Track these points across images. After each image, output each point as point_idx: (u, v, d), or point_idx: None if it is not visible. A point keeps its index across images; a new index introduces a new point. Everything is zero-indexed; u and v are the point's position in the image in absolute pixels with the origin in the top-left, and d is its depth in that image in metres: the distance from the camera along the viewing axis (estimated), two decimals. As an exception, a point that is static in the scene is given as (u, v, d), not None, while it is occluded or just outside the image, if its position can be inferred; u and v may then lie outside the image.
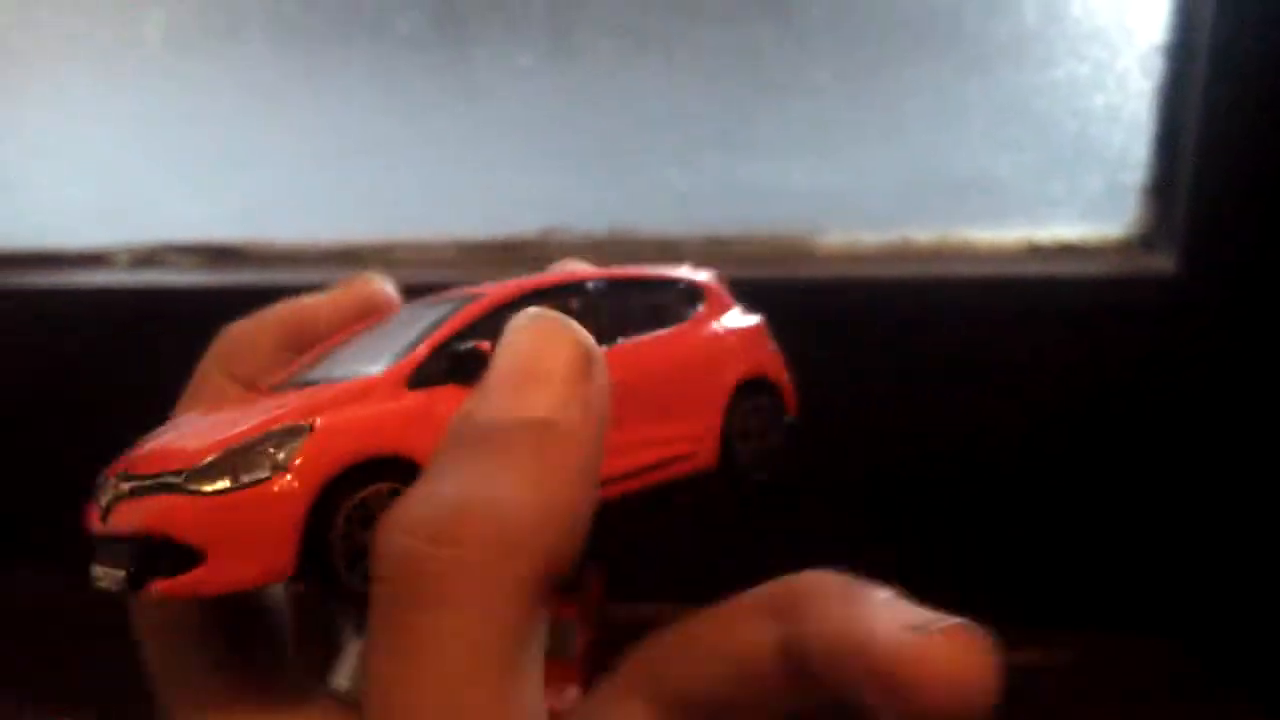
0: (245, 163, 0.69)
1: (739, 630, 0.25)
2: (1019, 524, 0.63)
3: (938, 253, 0.64)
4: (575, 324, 0.24)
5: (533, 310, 0.24)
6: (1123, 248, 0.62)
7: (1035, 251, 0.63)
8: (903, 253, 0.64)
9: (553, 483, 0.22)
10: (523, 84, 0.64)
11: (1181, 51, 0.58)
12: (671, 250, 0.64)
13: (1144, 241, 0.61)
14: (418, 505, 0.21)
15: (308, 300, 0.33)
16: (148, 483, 0.24)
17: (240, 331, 0.32)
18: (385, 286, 0.33)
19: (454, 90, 0.65)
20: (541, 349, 0.23)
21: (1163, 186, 0.60)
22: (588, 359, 0.23)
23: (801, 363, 0.31)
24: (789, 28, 0.60)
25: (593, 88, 0.64)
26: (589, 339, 0.24)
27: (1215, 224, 0.57)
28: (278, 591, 0.31)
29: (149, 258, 0.75)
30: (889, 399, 0.60)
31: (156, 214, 0.74)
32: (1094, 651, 0.63)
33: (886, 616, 0.23)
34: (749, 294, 0.32)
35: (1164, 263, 0.59)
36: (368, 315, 0.32)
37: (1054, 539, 0.64)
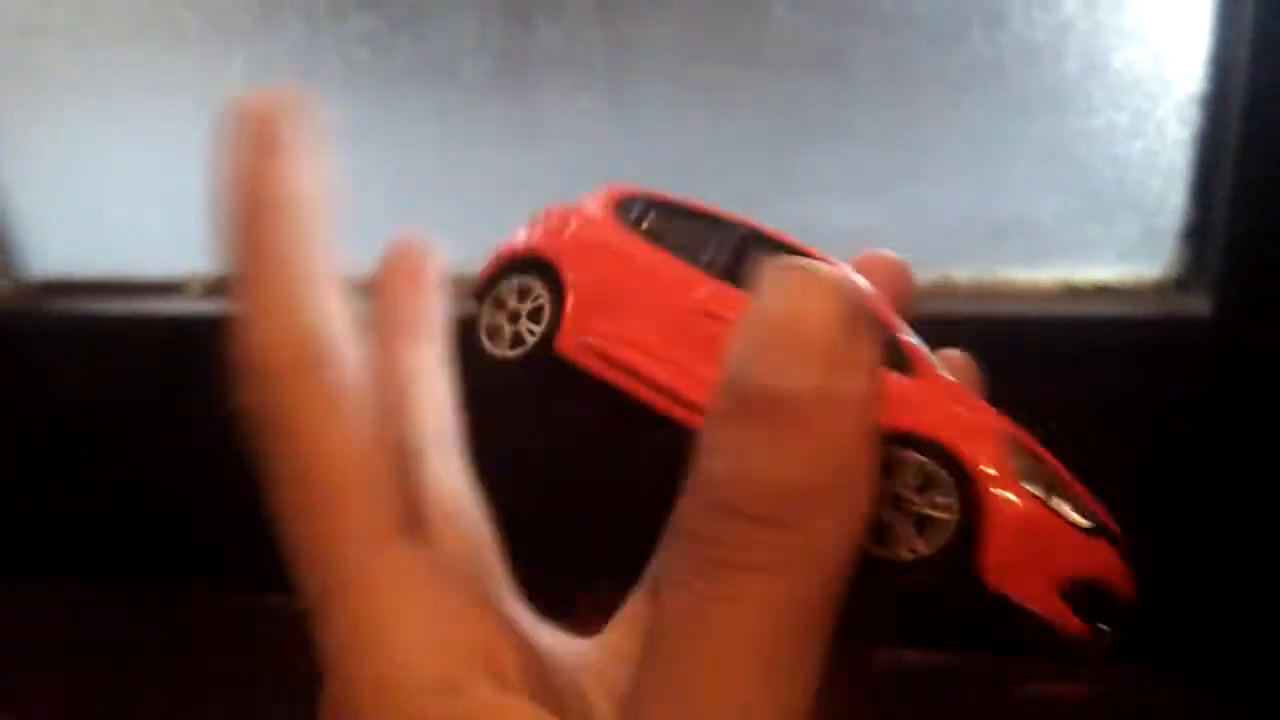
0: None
1: None
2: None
3: (978, 291, 0.66)
4: (857, 283, 0.23)
5: (815, 265, 0.23)
6: (1159, 290, 0.64)
7: (1073, 292, 0.65)
8: (944, 291, 0.66)
9: (848, 457, 0.22)
10: (581, 127, 0.67)
11: (1217, 102, 0.60)
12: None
13: (1179, 284, 0.63)
14: (752, 490, 0.21)
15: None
16: None
17: None
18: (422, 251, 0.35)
19: (516, 132, 0.69)
20: (828, 310, 0.22)
21: (1198, 231, 0.62)
22: (865, 320, 0.22)
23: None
24: (836, 76, 0.63)
25: (648, 130, 0.67)
26: (855, 289, 0.22)
27: (1249, 268, 0.59)
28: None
29: (221, 287, 0.78)
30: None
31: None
32: (1109, 683, 0.64)
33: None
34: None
35: (1199, 305, 0.61)
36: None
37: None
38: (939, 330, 0.28)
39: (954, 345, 0.30)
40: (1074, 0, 0.60)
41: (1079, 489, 0.25)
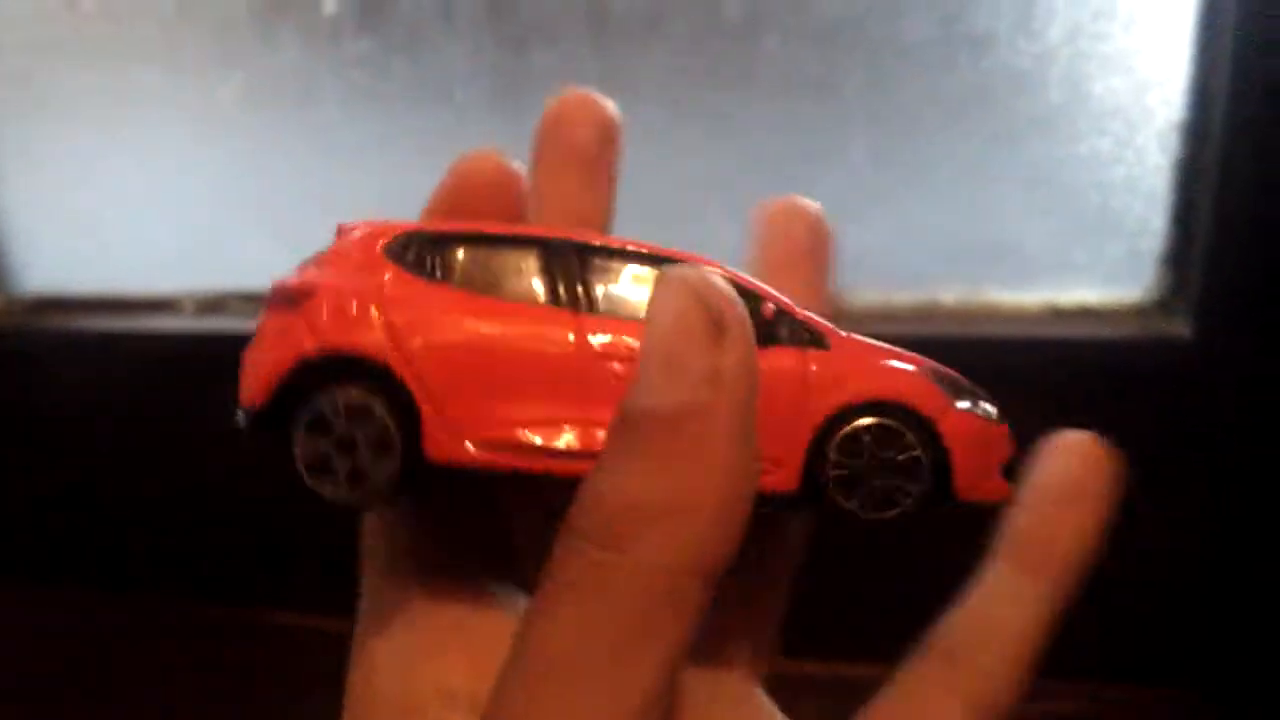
0: (309, 216, 0.73)
1: None
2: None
3: (964, 313, 0.67)
4: (710, 282, 0.22)
5: (667, 272, 0.22)
6: (1140, 312, 0.65)
7: (1057, 314, 0.66)
8: (931, 312, 0.67)
9: (690, 476, 0.21)
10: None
11: (1197, 130, 0.61)
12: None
13: (1161, 307, 0.65)
14: (587, 506, 0.21)
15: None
16: None
17: None
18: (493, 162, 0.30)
19: (512, 154, 0.69)
20: (670, 321, 0.21)
21: (1179, 255, 0.63)
22: (716, 325, 0.21)
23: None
24: (827, 103, 0.64)
25: (643, 153, 0.68)
26: (721, 297, 0.22)
27: (1229, 291, 0.61)
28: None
29: (214, 305, 0.79)
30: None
31: (222, 263, 0.78)
32: (1107, 702, 0.65)
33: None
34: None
35: (1180, 327, 0.62)
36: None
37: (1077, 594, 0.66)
38: (925, 352, 0.29)
39: (945, 364, 0.30)
40: (1058, 29, 0.61)
41: (969, 380, 0.29)
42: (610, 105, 0.31)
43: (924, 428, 0.26)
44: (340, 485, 0.24)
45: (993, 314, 0.67)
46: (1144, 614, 0.66)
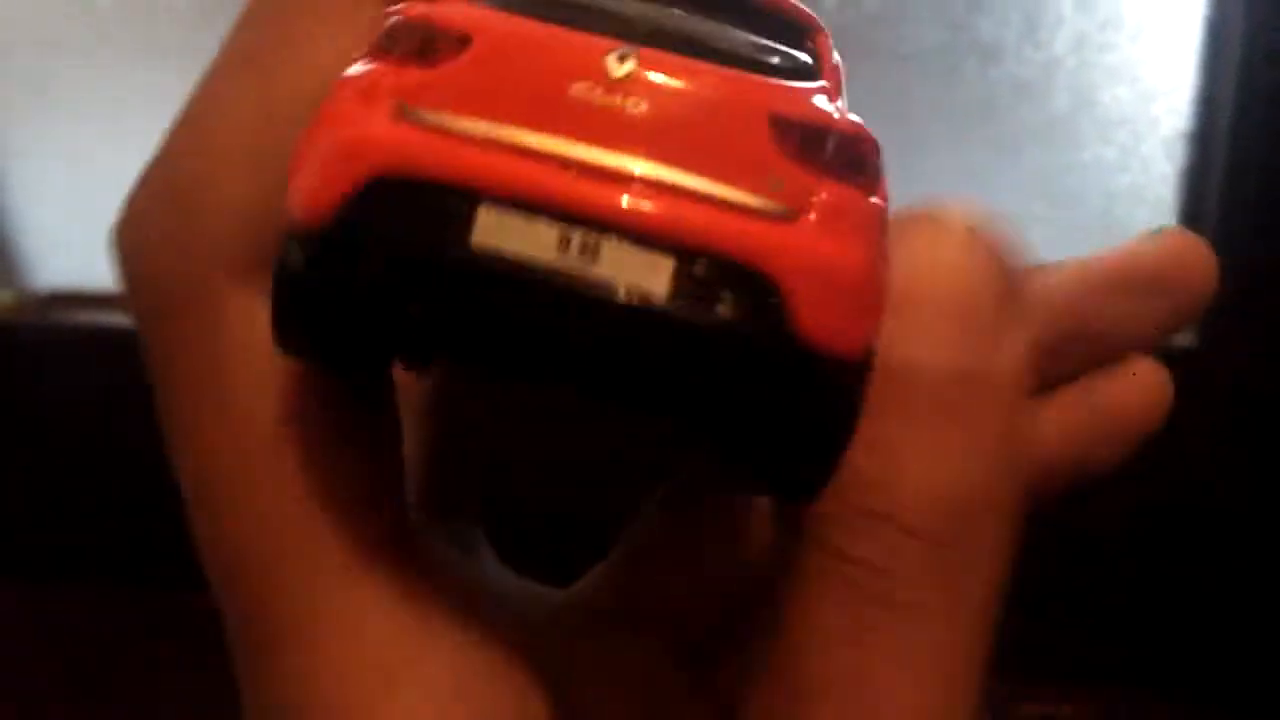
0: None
1: None
2: (1039, 581, 0.66)
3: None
4: (985, 218, 0.19)
5: (924, 210, 0.19)
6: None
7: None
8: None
9: (980, 454, 0.18)
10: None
11: (1203, 138, 0.61)
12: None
13: (1165, 315, 0.65)
14: (915, 493, 0.18)
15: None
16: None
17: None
18: None
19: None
20: (966, 278, 0.18)
21: (1184, 264, 0.64)
22: (1003, 280, 0.18)
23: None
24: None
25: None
26: (1003, 237, 0.19)
27: (1233, 300, 0.60)
28: None
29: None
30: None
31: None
32: (1105, 703, 0.65)
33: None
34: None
35: (1184, 337, 0.62)
36: None
37: (1074, 596, 0.67)
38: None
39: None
40: (1064, 38, 0.62)
41: None
42: None
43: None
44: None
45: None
46: (1146, 617, 0.66)
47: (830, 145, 0.18)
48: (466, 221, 0.16)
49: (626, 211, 0.16)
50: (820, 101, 0.18)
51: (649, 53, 0.17)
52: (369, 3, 0.20)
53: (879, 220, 0.18)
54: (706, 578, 0.26)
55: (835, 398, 0.17)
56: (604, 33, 0.17)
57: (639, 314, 0.16)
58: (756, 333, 0.17)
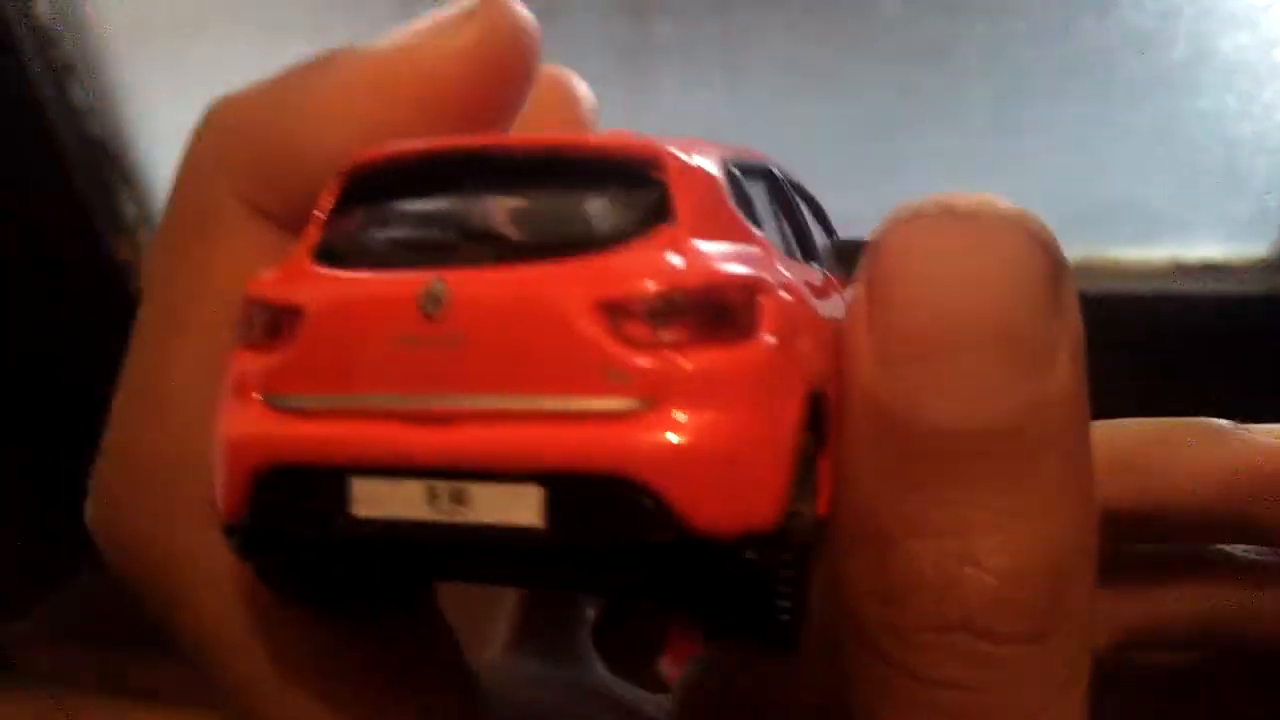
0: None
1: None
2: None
3: (1088, 270, 0.68)
4: (1032, 215, 0.16)
5: (976, 208, 0.16)
6: (1265, 268, 0.65)
7: (1181, 270, 0.66)
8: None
9: (1059, 504, 0.15)
10: (702, 115, 0.71)
11: (1326, 83, 0.61)
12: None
13: (1287, 262, 0.64)
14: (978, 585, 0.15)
15: (421, 48, 0.20)
16: None
17: (278, 123, 0.20)
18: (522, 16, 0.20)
19: (637, 127, 0.72)
20: (1008, 283, 0.15)
21: (1306, 210, 0.63)
22: (1056, 279, 0.15)
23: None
24: (947, 65, 0.65)
25: (763, 117, 0.70)
26: (1050, 236, 0.15)
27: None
28: None
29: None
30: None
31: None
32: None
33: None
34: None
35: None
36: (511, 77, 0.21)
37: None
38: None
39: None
40: (1182, -14, 0.61)
41: None
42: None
43: None
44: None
45: (1116, 270, 0.67)
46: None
47: (679, 309, 0.16)
48: (343, 497, 0.17)
49: (475, 453, 0.16)
50: (664, 259, 0.16)
51: (458, 275, 0.17)
52: (267, 237, 0.20)
53: (758, 371, 0.16)
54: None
55: (756, 572, 0.16)
56: (415, 264, 0.17)
57: (522, 550, 0.16)
58: (645, 541, 0.15)
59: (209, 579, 0.20)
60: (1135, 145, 0.65)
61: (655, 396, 0.16)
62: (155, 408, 0.21)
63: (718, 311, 0.16)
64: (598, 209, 0.18)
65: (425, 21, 0.20)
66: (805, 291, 0.18)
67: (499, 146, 0.19)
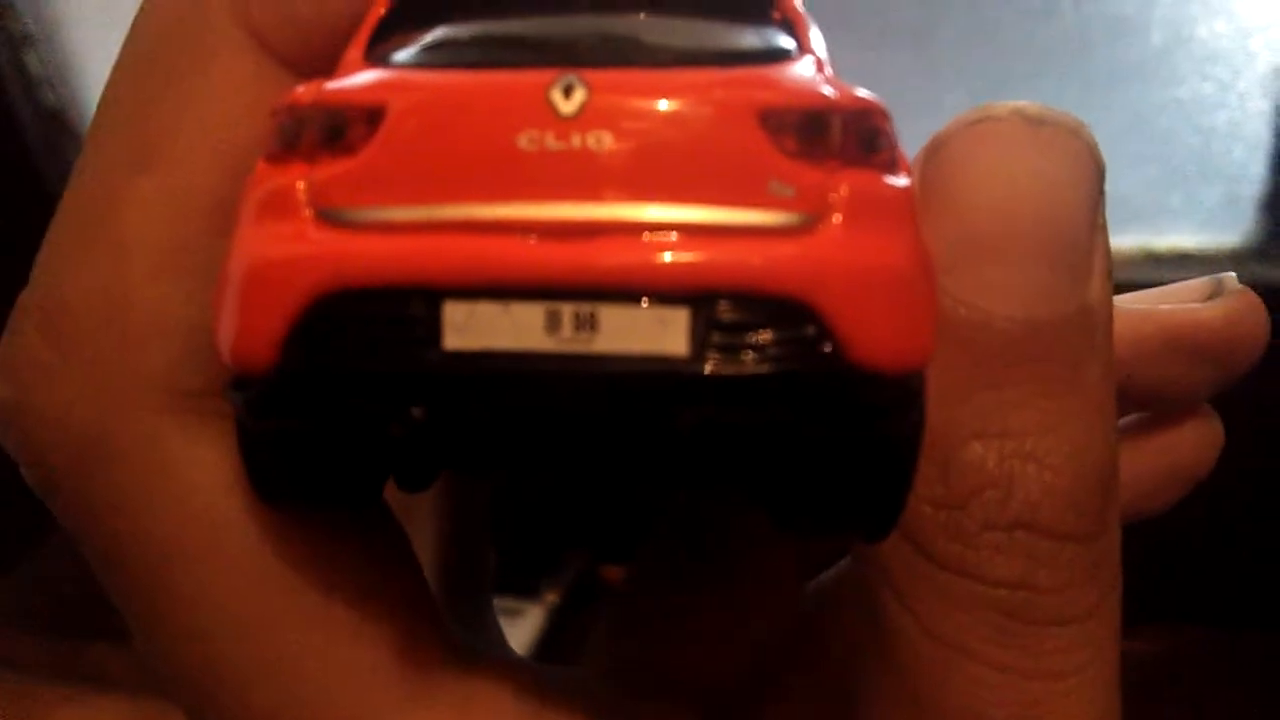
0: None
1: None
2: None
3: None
4: (1073, 122, 0.16)
5: (1041, 117, 0.16)
6: (1237, 257, 0.65)
7: (1152, 259, 0.66)
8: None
9: (1102, 411, 0.16)
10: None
11: (1302, 73, 0.61)
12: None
13: (1259, 253, 0.64)
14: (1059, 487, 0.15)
15: None
16: None
17: None
18: None
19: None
20: (1070, 196, 0.16)
21: (1278, 199, 0.63)
22: (1093, 180, 0.16)
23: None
24: (924, 51, 0.65)
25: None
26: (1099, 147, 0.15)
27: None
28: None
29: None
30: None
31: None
32: (1185, 643, 0.66)
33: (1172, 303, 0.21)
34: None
35: (1277, 274, 0.62)
36: None
37: (1147, 537, 0.67)
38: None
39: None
40: (1160, -27, 0.61)
41: None
42: None
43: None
44: None
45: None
46: (1230, 559, 0.66)
47: (836, 129, 0.15)
48: (433, 324, 0.14)
49: (616, 268, 0.14)
50: (811, 79, 0.16)
51: (596, 74, 0.14)
52: (268, 70, 0.17)
53: (908, 201, 0.15)
54: (732, 643, 0.24)
55: (908, 418, 0.14)
56: (538, 64, 0.15)
57: (662, 384, 0.14)
58: (805, 371, 0.14)
59: (159, 473, 0.17)
60: (1110, 133, 0.65)
61: (821, 215, 0.14)
62: (104, 255, 0.17)
63: (870, 138, 0.15)
64: (734, 30, 0.17)
65: None
66: None
67: None
